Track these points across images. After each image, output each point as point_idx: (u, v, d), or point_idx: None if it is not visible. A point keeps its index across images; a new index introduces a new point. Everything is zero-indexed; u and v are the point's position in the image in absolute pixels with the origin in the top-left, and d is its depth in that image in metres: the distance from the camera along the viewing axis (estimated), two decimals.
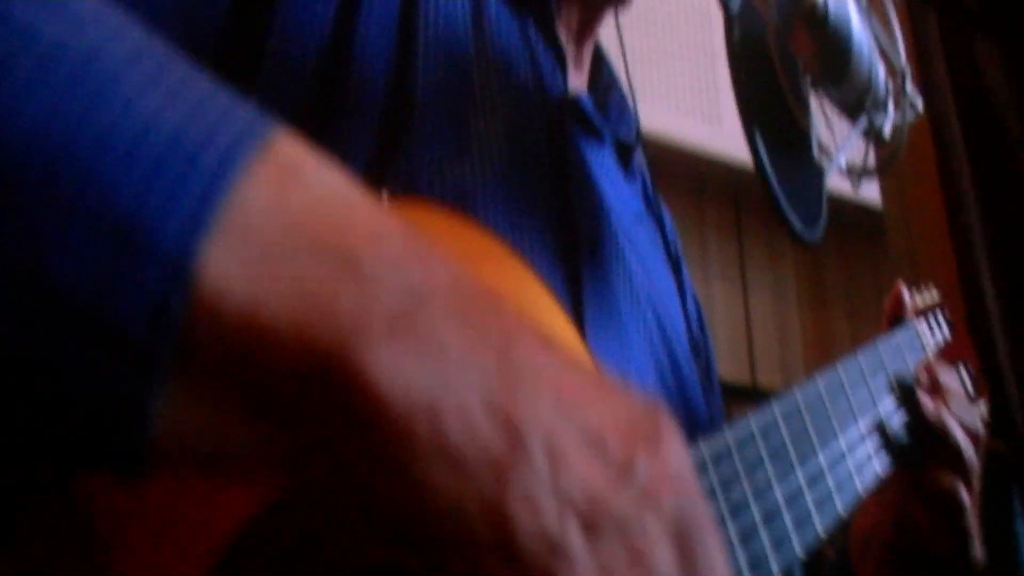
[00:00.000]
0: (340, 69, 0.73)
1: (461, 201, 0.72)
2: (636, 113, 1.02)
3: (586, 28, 0.98)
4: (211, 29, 0.70)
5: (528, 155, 0.82)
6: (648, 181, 1.05)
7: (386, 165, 0.71)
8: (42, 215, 0.37)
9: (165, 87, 0.40)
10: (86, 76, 0.39)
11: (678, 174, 3.03)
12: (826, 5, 0.83)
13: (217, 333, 0.37)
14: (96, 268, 0.36)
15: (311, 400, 0.38)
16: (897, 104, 0.90)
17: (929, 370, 1.03)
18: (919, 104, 0.92)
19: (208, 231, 0.37)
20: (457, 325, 0.40)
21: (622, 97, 1.02)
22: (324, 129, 0.71)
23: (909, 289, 1.17)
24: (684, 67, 3.07)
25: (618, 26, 1.06)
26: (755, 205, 3.29)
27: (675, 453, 0.44)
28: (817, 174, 0.89)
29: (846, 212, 2.86)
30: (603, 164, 0.91)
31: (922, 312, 1.16)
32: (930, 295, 1.19)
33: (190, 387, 0.38)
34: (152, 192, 0.37)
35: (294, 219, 0.39)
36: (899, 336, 1.06)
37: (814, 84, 0.89)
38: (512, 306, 0.44)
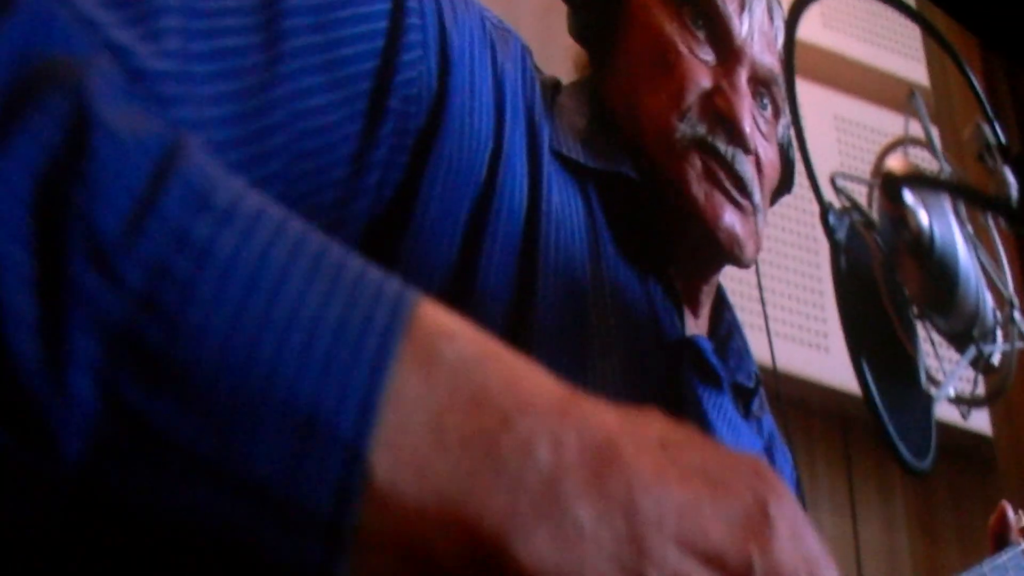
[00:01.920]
0: (462, 300, 0.75)
1: None
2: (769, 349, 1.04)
3: (703, 279, 1.01)
4: None
5: (644, 397, 0.83)
6: (771, 427, 1.05)
7: None
8: (237, 417, 0.42)
9: (324, 277, 0.46)
10: (259, 283, 0.44)
11: (785, 402, 3.00)
12: (932, 234, 0.83)
13: (390, 519, 0.42)
14: (288, 458, 0.42)
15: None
16: (1006, 333, 0.89)
17: None
18: None
19: (374, 422, 0.43)
20: (588, 499, 0.45)
21: (743, 343, 1.04)
22: None
23: (1015, 509, 1.15)
24: (791, 294, 3.08)
25: (758, 271, 1.09)
26: (864, 434, 3.24)
27: (787, 522, 0.50)
28: (926, 403, 0.88)
29: (955, 441, 2.80)
30: (721, 409, 0.92)
31: None
32: None
33: (368, 562, 0.42)
34: (327, 388, 0.43)
35: (441, 406, 0.44)
36: (1005, 556, 1.04)
37: (921, 313, 0.89)
38: (626, 430, 0.49)
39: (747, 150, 1.01)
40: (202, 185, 0.46)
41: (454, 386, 0.45)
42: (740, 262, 1.01)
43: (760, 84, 1.04)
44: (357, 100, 0.72)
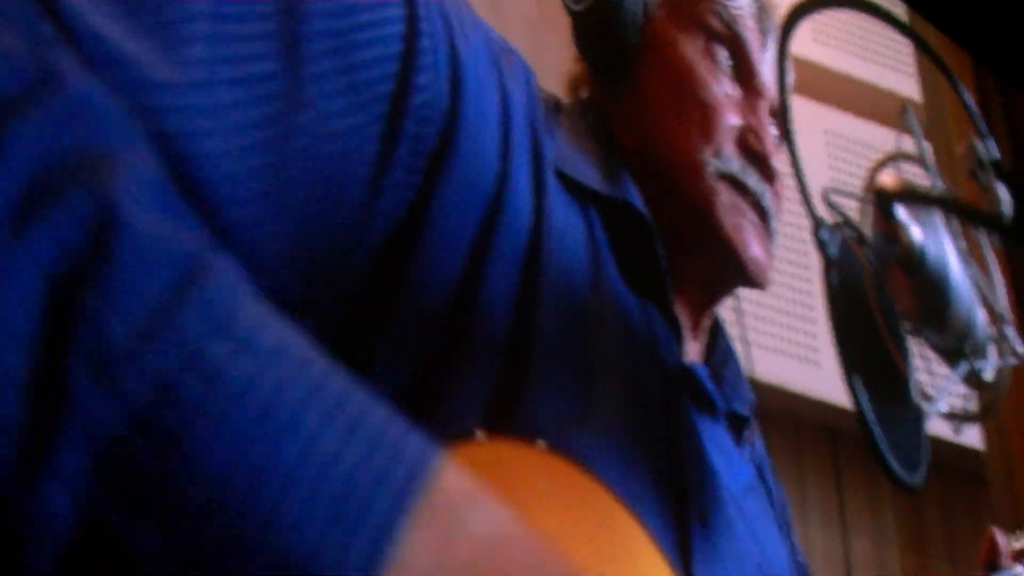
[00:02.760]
0: (464, 319, 0.76)
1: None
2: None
3: (710, 304, 1.02)
4: (348, 283, 0.73)
5: (644, 424, 0.84)
6: (761, 452, 1.07)
7: (504, 418, 0.73)
8: (224, 558, 0.38)
9: (342, 423, 0.42)
10: (269, 418, 0.41)
11: (776, 416, 3.00)
12: (923, 250, 0.83)
13: None
14: None
15: None
16: (998, 349, 0.89)
17: None
18: (1020, 349, 0.91)
19: None
20: None
21: (738, 370, 1.05)
22: (445, 378, 0.73)
23: (1005, 533, 1.15)
24: (782, 308, 3.08)
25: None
26: (855, 448, 3.24)
27: None
28: (917, 418, 0.88)
29: (946, 456, 2.80)
30: (715, 436, 0.94)
31: (1020, 555, 1.13)
32: None
33: None
34: (327, 544, 0.39)
35: None
36: None
37: (913, 328, 0.89)
38: None
39: (772, 183, 1.05)
40: (225, 306, 0.43)
41: (472, 561, 0.42)
42: (763, 287, 1.05)
43: (775, 118, 1.06)
44: (375, 123, 0.72)
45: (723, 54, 1.05)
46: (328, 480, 0.40)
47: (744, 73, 1.06)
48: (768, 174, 1.04)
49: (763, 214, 1.04)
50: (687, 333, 1.02)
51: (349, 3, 0.72)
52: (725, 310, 1.12)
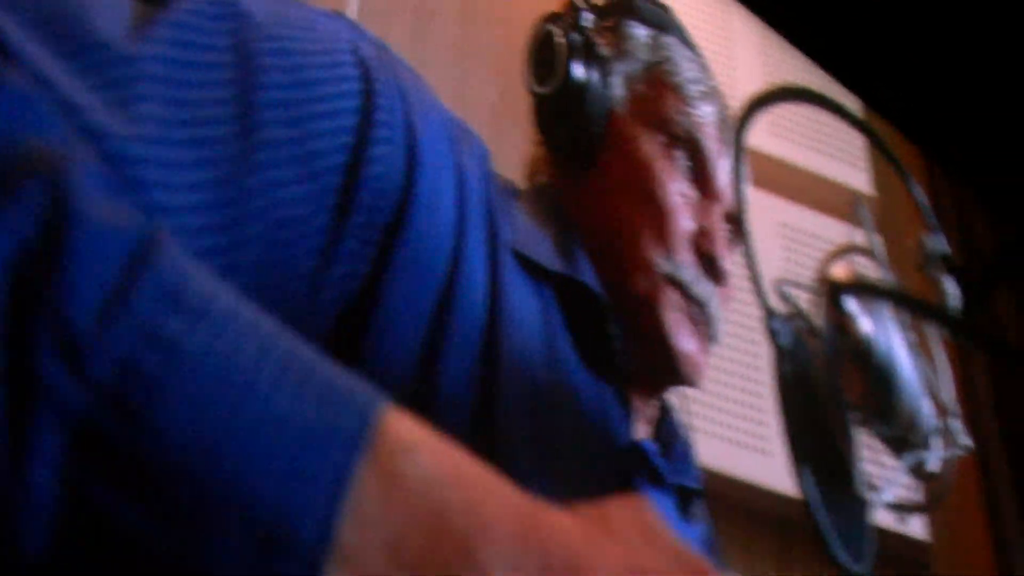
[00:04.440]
0: (423, 400, 0.76)
1: None
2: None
3: (654, 395, 1.03)
4: None
5: (595, 491, 0.85)
6: (709, 534, 1.07)
7: None
8: (199, 519, 0.41)
9: (293, 380, 0.46)
10: (226, 384, 0.44)
11: (726, 505, 3.00)
12: (872, 341, 0.84)
13: None
14: (247, 566, 0.41)
15: None
16: (944, 441, 0.90)
17: None
18: (967, 441, 0.92)
19: (333, 538, 0.42)
20: None
21: (686, 447, 1.06)
22: None
23: None
24: (732, 397, 3.09)
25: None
26: (803, 538, 3.23)
27: None
28: (864, 508, 0.88)
29: (892, 546, 2.81)
30: (665, 509, 0.94)
31: None
32: None
33: None
34: (290, 497, 0.42)
35: (400, 527, 0.44)
36: None
37: (861, 419, 0.89)
38: (587, 549, 0.48)
39: (722, 285, 1.07)
40: (175, 282, 0.46)
41: (414, 507, 0.45)
42: (694, 385, 1.06)
43: (728, 219, 1.08)
44: (328, 194, 0.72)
45: (682, 157, 1.07)
46: (285, 435, 0.43)
47: (702, 177, 1.08)
48: (717, 275, 1.06)
49: (707, 318, 1.06)
50: (639, 412, 1.02)
51: (306, 75, 0.73)
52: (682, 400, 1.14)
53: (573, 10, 1.14)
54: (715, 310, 1.06)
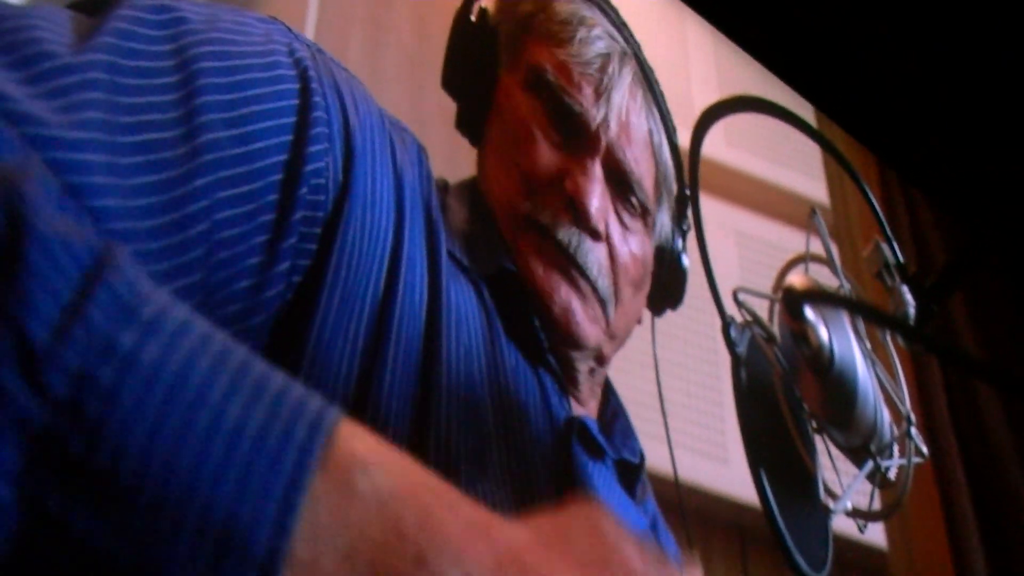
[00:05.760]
0: (366, 404, 0.76)
1: None
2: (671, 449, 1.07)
3: (572, 365, 1.03)
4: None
5: (538, 472, 0.85)
6: (654, 509, 1.07)
7: None
8: (156, 527, 0.42)
9: (246, 389, 0.46)
10: (181, 394, 0.44)
11: (685, 513, 3.01)
12: (831, 350, 0.85)
13: None
14: (203, 573, 0.42)
15: None
16: (902, 448, 0.90)
17: None
18: (924, 448, 0.92)
19: (287, 546, 0.43)
20: None
21: (627, 424, 1.06)
22: None
23: None
24: (690, 405, 3.10)
25: (658, 381, 1.11)
26: (762, 546, 3.25)
27: None
28: (823, 516, 0.89)
29: (851, 554, 2.82)
30: (607, 481, 0.95)
31: None
32: None
33: None
34: (244, 503, 0.43)
35: (354, 538, 0.45)
36: None
37: (820, 427, 0.90)
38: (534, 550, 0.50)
39: (595, 235, 1.03)
40: (129, 295, 0.47)
41: (368, 519, 0.45)
42: (578, 343, 1.03)
43: (622, 177, 1.06)
44: (270, 191, 0.73)
45: (551, 103, 1.05)
46: (238, 445, 0.44)
47: (573, 124, 1.03)
48: (583, 221, 1.02)
49: (580, 268, 1.02)
50: (579, 388, 1.02)
51: (244, 77, 0.74)
52: (650, 411, 1.13)
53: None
54: (586, 257, 1.02)
